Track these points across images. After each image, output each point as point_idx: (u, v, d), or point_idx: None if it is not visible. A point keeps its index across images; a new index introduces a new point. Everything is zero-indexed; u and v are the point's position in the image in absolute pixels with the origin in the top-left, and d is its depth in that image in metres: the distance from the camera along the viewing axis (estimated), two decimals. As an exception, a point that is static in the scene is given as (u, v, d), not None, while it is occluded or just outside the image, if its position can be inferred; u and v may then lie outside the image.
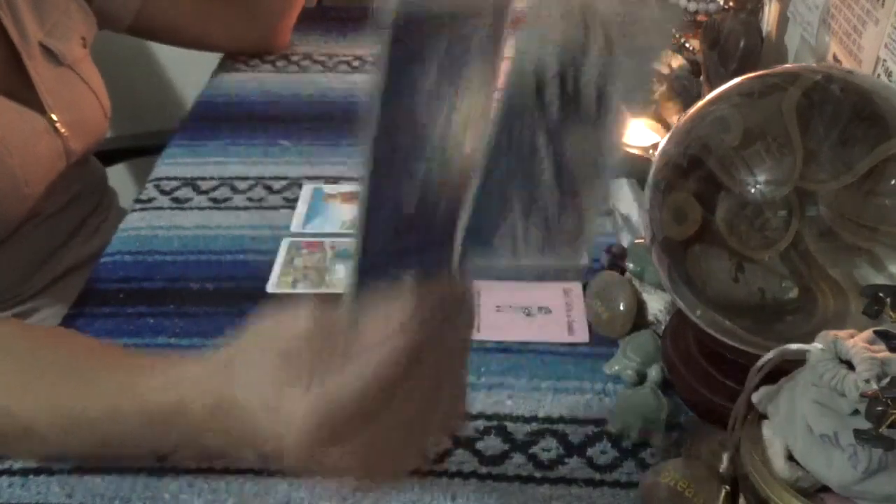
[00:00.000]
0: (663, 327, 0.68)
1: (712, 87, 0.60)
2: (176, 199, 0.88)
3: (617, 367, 0.66)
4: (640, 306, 0.70)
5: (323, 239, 0.82)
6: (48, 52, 0.87)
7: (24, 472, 0.59)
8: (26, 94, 0.84)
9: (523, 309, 0.73)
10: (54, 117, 0.86)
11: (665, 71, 0.88)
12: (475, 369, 0.67)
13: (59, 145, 0.87)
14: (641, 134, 0.88)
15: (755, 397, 0.49)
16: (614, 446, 0.61)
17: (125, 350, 0.59)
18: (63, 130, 0.87)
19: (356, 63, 1.16)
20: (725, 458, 0.56)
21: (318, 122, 1.00)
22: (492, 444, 0.61)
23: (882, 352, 0.42)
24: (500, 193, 0.37)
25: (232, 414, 0.42)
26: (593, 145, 0.37)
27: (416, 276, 0.39)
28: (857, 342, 0.43)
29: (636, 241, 0.74)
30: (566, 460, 0.60)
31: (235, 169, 0.92)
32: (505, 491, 0.58)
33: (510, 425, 0.63)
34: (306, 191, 0.89)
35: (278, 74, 1.14)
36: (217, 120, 0.91)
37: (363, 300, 0.41)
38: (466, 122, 0.36)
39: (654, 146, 0.86)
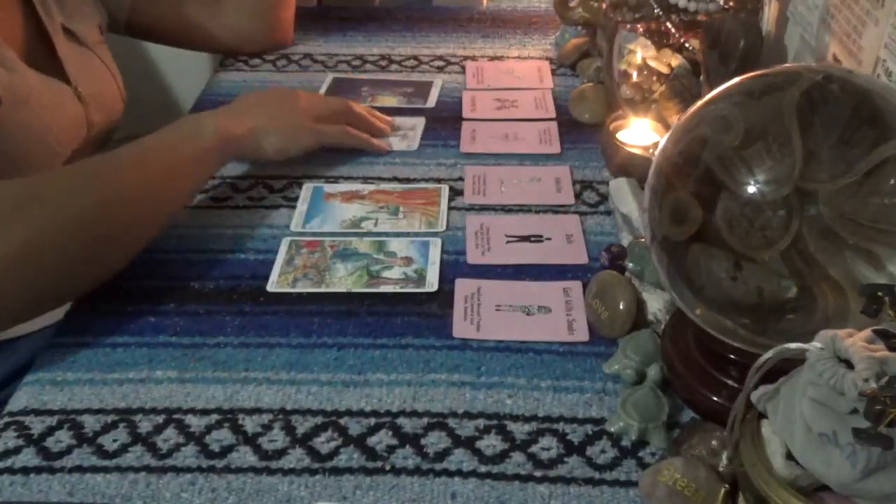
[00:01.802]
0: (663, 327, 0.68)
1: (712, 87, 0.60)
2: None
3: (616, 367, 0.66)
4: (640, 306, 0.70)
5: (323, 238, 0.82)
6: (70, 33, 0.93)
7: (26, 471, 0.60)
8: (54, 69, 0.89)
9: (523, 308, 0.73)
10: (79, 88, 0.92)
11: (665, 71, 0.88)
12: (475, 368, 0.67)
13: (81, 113, 0.92)
14: (641, 134, 0.89)
15: (754, 396, 0.49)
16: (614, 446, 0.61)
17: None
18: (85, 100, 0.92)
19: (356, 63, 1.16)
20: (725, 457, 0.56)
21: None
22: (491, 444, 0.61)
23: (881, 351, 0.42)
24: None
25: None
26: None
27: None
28: (856, 341, 0.43)
29: (636, 240, 0.74)
30: (566, 459, 0.60)
31: (235, 168, 0.92)
32: (504, 490, 0.58)
33: (510, 424, 0.63)
34: (306, 190, 0.89)
35: (279, 74, 1.14)
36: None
37: None
38: None
39: (654, 146, 0.86)
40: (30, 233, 0.65)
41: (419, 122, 1.01)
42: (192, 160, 0.79)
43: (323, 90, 1.08)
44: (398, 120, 1.02)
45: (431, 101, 1.06)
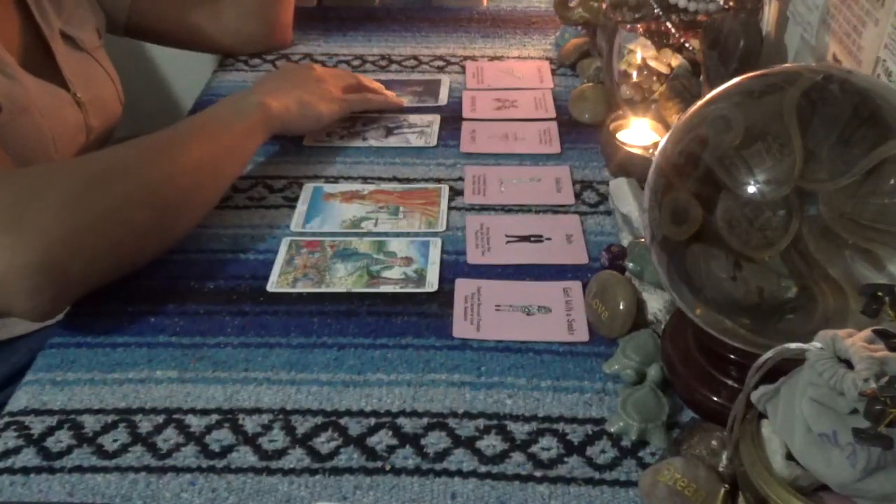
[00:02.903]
0: (663, 327, 0.68)
1: (712, 87, 0.60)
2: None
3: (616, 367, 0.66)
4: (640, 306, 0.70)
5: (323, 238, 0.82)
6: (68, 38, 0.94)
7: (26, 471, 0.60)
8: (52, 74, 0.90)
9: (523, 308, 0.73)
10: (78, 94, 0.92)
11: (665, 71, 0.88)
12: (475, 368, 0.67)
13: (80, 119, 0.93)
14: (641, 134, 0.89)
15: (754, 396, 0.49)
16: (614, 446, 0.61)
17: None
18: (84, 105, 0.93)
19: (356, 63, 1.16)
20: (724, 457, 0.56)
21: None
22: (491, 444, 0.61)
23: (881, 351, 0.42)
24: None
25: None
26: None
27: None
28: (856, 341, 0.43)
29: (636, 240, 0.74)
30: (566, 459, 0.60)
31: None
32: (504, 490, 0.58)
33: (510, 424, 0.63)
34: (306, 190, 0.89)
35: (279, 74, 1.14)
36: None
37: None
38: None
39: (654, 146, 0.86)
40: (107, 203, 0.69)
41: (435, 119, 1.02)
42: (243, 134, 0.84)
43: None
44: (413, 117, 1.03)
45: (443, 99, 1.07)
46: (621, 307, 0.68)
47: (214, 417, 0.64)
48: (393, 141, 0.98)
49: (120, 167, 0.72)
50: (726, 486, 0.55)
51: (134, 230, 0.72)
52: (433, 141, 0.98)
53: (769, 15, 0.94)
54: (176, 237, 0.78)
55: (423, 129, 1.00)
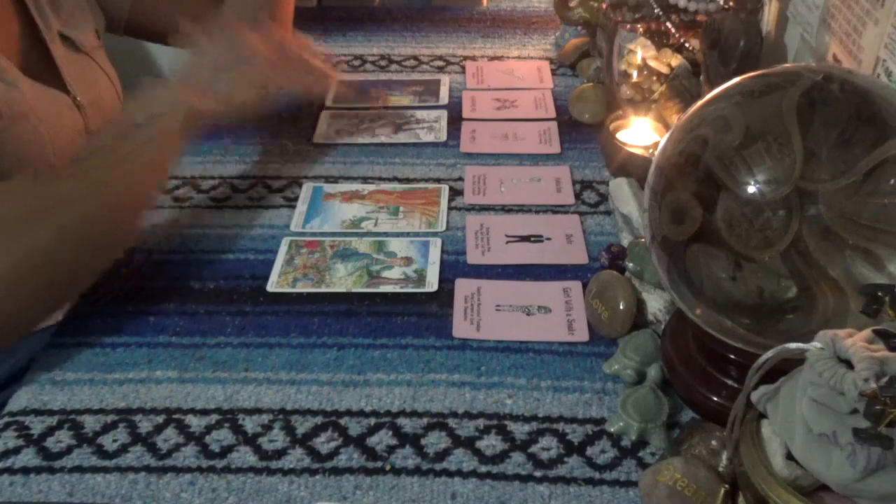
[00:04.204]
0: (663, 327, 0.68)
1: (712, 87, 0.60)
2: (176, 198, 0.88)
3: (616, 367, 0.66)
4: (640, 306, 0.70)
5: (322, 238, 0.82)
6: (67, 40, 0.93)
7: (26, 471, 0.60)
8: (51, 77, 0.89)
9: (523, 308, 0.73)
10: (77, 97, 0.91)
11: (665, 71, 0.88)
12: (475, 368, 0.67)
13: (80, 122, 0.91)
14: (641, 134, 0.89)
15: (754, 396, 0.49)
16: (614, 445, 0.61)
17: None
18: (83, 108, 0.92)
19: (356, 62, 1.16)
20: (724, 457, 0.56)
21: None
22: (491, 443, 0.61)
23: (881, 351, 0.42)
24: None
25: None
26: None
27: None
28: (856, 341, 0.43)
29: (636, 240, 0.74)
30: (566, 459, 0.60)
31: (235, 168, 0.92)
32: (504, 490, 0.58)
33: (510, 424, 0.63)
34: (306, 190, 0.89)
35: (279, 74, 1.14)
36: (217, 119, 0.93)
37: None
38: None
39: (654, 146, 0.86)
40: (41, 241, 0.65)
41: (442, 114, 1.03)
42: (163, 147, 0.77)
43: (330, 94, 1.08)
44: (420, 113, 1.03)
45: (444, 98, 1.07)
46: (621, 307, 0.68)
47: (214, 417, 0.64)
48: (403, 137, 0.98)
49: (60, 200, 0.68)
50: (726, 486, 0.55)
51: (69, 268, 0.68)
52: (443, 136, 0.98)
53: (769, 15, 0.94)
54: (96, 273, 0.72)
55: (431, 125, 1.00)
